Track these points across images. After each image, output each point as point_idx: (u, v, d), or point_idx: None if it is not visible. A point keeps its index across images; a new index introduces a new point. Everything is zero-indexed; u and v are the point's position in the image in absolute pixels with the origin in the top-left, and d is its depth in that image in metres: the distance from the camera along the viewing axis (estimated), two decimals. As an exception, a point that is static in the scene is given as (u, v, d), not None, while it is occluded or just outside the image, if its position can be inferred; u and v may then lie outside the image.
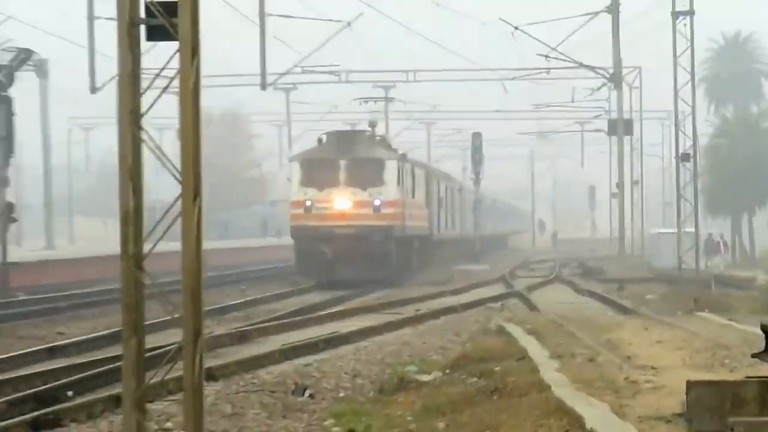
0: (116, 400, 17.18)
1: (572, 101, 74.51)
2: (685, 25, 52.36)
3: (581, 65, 60.81)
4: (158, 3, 14.09)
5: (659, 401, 15.00)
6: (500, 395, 18.20)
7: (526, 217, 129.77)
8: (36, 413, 18.80)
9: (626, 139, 67.32)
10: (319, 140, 62.66)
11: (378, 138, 63.56)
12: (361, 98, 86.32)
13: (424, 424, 17.12)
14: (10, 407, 19.47)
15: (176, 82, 14.02)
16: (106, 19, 46.69)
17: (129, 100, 14.01)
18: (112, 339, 25.59)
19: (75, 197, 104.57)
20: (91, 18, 53.60)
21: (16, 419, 18.29)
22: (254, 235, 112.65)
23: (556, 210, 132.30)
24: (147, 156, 13.60)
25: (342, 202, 59.27)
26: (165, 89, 14.44)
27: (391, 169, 55.83)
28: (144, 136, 14.03)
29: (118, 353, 15.25)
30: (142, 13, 14.03)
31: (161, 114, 52.80)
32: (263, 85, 69.58)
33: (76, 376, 22.55)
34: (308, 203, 59.94)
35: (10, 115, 48.16)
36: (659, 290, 48.76)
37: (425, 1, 65.84)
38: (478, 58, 77.33)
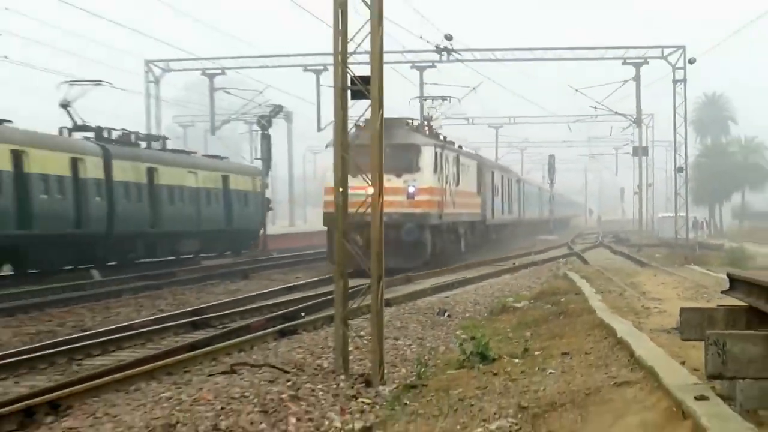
0: (330, 318, 17.28)
1: (611, 135, 73.71)
2: (682, 86, 51.76)
3: (616, 113, 59.83)
4: (358, 77, 14.39)
5: (663, 320, 14.75)
6: (564, 316, 18.01)
7: (581, 206, 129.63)
8: (282, 326, 19.37)
9: (644, 158, 66.40)
10: (357, 127, 40.88)
11: (424, 126, 43.25)
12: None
13: (517, 333, 16.99)
14: (266, 322, 19.99)
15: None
16: (328, 86, 47.20)
17: (340, 135, 14.53)
18: (327, 281, 25.92)
19: (307, 195, 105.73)
20: (318, 86, 54.16)
21: (269, 329, 18.74)
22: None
23: (600, 202, 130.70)
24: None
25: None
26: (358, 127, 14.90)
27: (427, 155, 37.60)
28: (348, 158, 14.66)
29: (331, 289, 15.48)
30: (349, 83, 14.35)
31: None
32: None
33: (306, 303, 23.00)
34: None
35: (269, 145, 50.71)
36: (663, 252, 47.84)
37: (518, 69, 59.44)
38: (553, 108, 76.67)
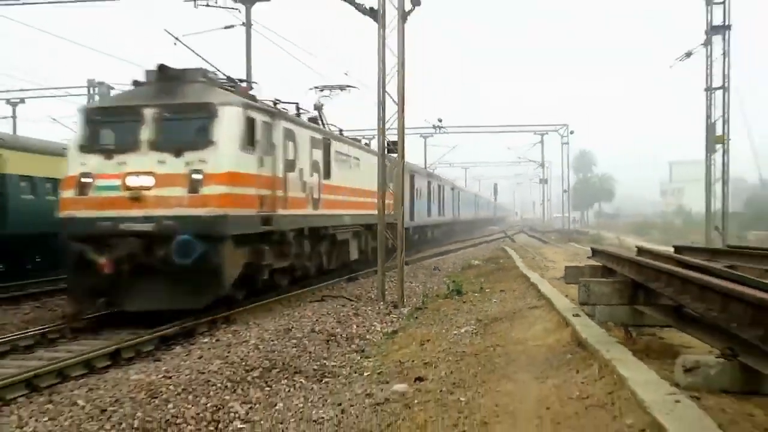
0: (375, 272, 15.87)
1: (529, 172, 71.86)
2: (567, 146, 53.20)
3: (530, 160, 60.21)
4: (391, 142, 14.51)
5: (555, 273, 14.14)
6: (502, 270, 17.58)
7: (512, 210, 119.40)
8: (349, 275, 17.72)
9: (545, 185, 63.64)
10: (135, 83, 10.88)
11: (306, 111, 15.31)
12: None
13: (477, 279, 16.36)
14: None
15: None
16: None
17: (381, 175, 14.25)
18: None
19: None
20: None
21: (343, 278, 17.22)
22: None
23: (522, 208, 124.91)
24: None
25: (138, 177, 9.89)
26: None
27: (229, 122, 9.94)
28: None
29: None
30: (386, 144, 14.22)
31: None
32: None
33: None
34: (84, 180, 9.88)
35: None
36: (556, 236, 45.63)
37: (478, 137, 53.08)
38: (498, 156, 74.71)
